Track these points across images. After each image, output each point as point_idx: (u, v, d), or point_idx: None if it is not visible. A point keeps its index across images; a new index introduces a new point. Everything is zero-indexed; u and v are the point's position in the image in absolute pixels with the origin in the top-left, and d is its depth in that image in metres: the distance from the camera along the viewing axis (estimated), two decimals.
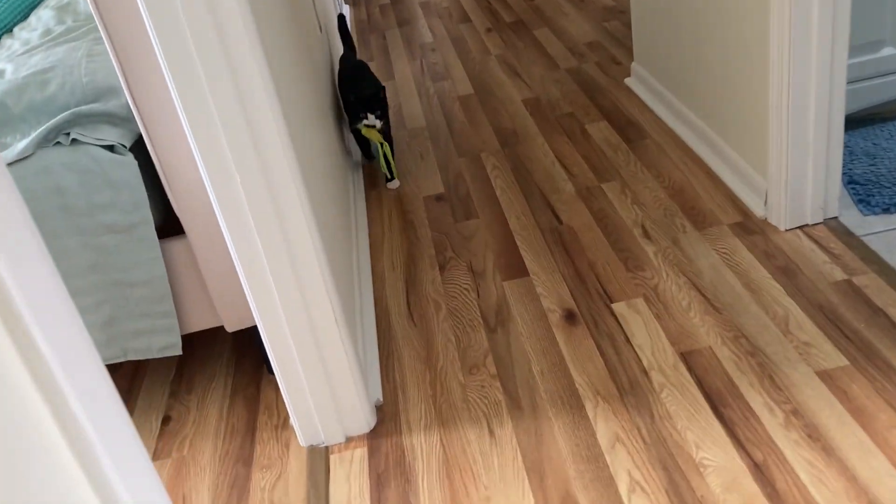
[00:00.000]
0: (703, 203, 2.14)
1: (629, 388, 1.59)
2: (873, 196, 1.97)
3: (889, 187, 1.99)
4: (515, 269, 2.04)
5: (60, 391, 0.54)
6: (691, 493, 1.35)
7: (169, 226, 1.67)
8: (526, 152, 2.58)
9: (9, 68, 1.67)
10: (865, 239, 1.86)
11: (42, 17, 2.11)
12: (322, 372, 1.55)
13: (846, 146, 2.18)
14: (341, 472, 1.54)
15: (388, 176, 2.53)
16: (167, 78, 1.28)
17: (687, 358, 1.63)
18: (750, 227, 2.00)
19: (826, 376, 1.52)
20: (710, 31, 2.14)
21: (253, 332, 1.79)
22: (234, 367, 1.90)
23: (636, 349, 1.69)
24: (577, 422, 1.54)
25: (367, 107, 2.39)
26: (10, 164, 1.47)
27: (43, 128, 1.49)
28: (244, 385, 1.84)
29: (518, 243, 2.13)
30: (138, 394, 1.89)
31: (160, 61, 1.27)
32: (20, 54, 1.75)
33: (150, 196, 1.58)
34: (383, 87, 2.39)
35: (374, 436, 1.61)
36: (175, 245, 1.62)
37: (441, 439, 1.57)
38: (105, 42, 1.43)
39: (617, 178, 2.33)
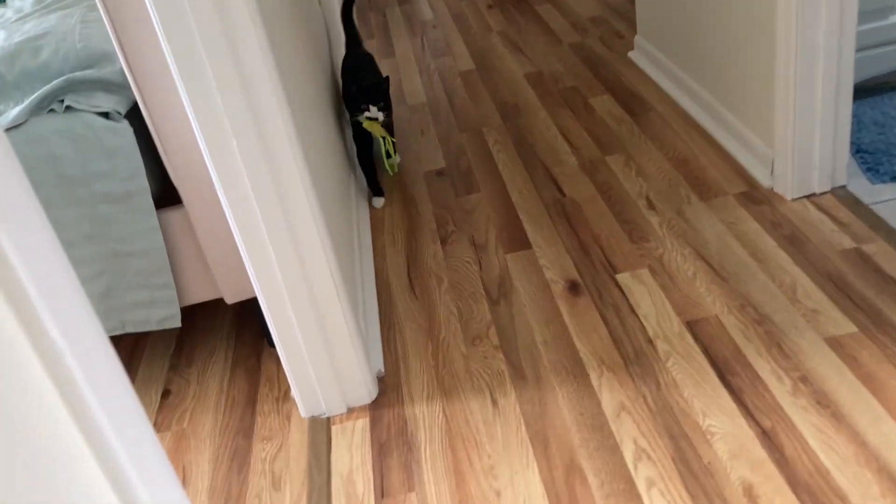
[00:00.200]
0: (708, 174, 2.10)
1: (634, 358, 1.57)
2: (882, 164, 1.94)
3: None
4: (518, 241, 2.01)
5: (61, 356, 0.52)
6: (698, 460, 1.33)
7: (166, 196, 1.64)
8: (528, 126, 2.55)
9: (1, 35, 1.64)
10: (874, 207, 1.83)
11: None
12: (323, 342, 1.53)
13: (854, 116, 2.15)
14: (343, 443, 1.52)
15: (390, 172, 2.42)
16: (163, 43, 1.25)
17: (693, 327, 1.61)
18: (756, 197, 1.97)
19: (835, 343, 1.50)
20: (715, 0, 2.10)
21: (253, 304, 1.76)
22: (235, 341, 1.88)
23: (641, 319, 1.66)
24: (581, 391, 1.52)
25: (369, 97, 2.21)
26: (2, 132, 1.44)
27: (36, 95, 1.46)
28: (245, 358, 1.82)
29: (520, 216, 2.11)
30: (138, 367, 1.87)
31: (155, 26, 1.24)
32: (13, 21, 1.72)
33: (146, 166, 1.55)
34: (387, 78, 2.23)
35: (375, 406, 1.59)
36: (172, 215, 1.59)
37: (444, 409, 1.55)
38: (99, 7, 1.40)
39: (621, 151, 2.30)
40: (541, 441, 1.43)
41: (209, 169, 1.40)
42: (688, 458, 1.34)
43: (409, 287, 1.92)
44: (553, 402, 1.51)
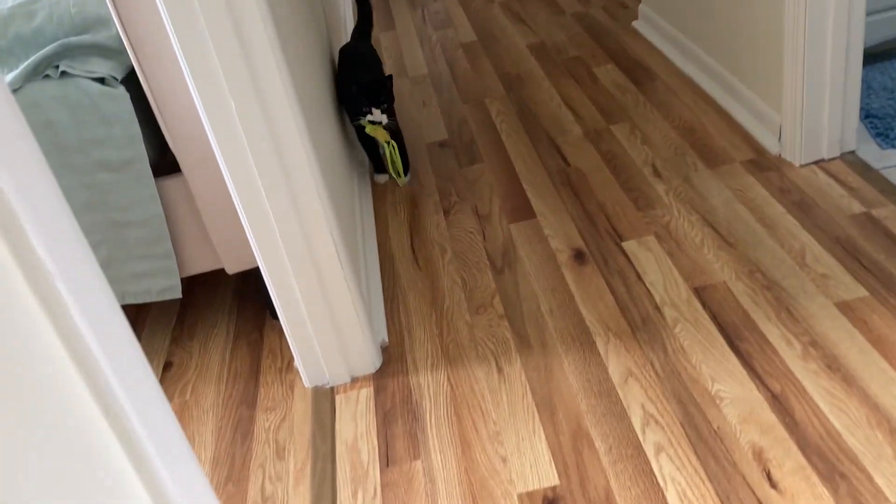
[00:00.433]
0: (714, 141, 2.07)
1: (641, 325, 1.55)
2: (892, 129, 1.90)
3: None
4: (522, 211, 1.98)
5: (65, 307, 0.50)
6: (707, 424, 1.31)
7: (164, 165, 1.62)
8: (531, 97, 2.52)
9: None
10: (884, 172, 1.80)
11: None
12: (326, 311, 1.51)
13: (863, 81, 2.11)
14: (347, 412, 1.51)
15: (398, 176, 2.18)
16: (159, 6, 1.22)
17: (701, 293, 1.59)
18: (763, 163, 1.94)
19: (845, 307, 1.47)
20: None
21: (254, 276, 1.74)
22: (237, 314, 1.86)
23: (648, 286, 1.64)
24: (587, 358, 1.50)
25: (370, 98, 1.98)
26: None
27: (31, 60, 1.43)
28: (247, 330, 1.80)
29: (524, 186, 2.08)
30: (139, 340, 1.85)
31: None
32: None
33: (143, 133, 1.52)
34: (390, 76, 2.02)
35: (380, 376, 1.57)
36: (171, 183, 1.57)
37: (448, 378, 1.53)
38: None
39: (626, 120, 2.27)
40: (547, 407, 1.41)
41: (208, 134, 1.37)
42: (697, 423, 1.32)
43: (412, 258, 1.90)
44: (559, 369, 1.49)
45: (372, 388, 1.55)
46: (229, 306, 1.89)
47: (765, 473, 1.21)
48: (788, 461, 1.22)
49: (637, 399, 1.39)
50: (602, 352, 1.50)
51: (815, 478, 1.19)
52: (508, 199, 2.04)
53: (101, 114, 1.46)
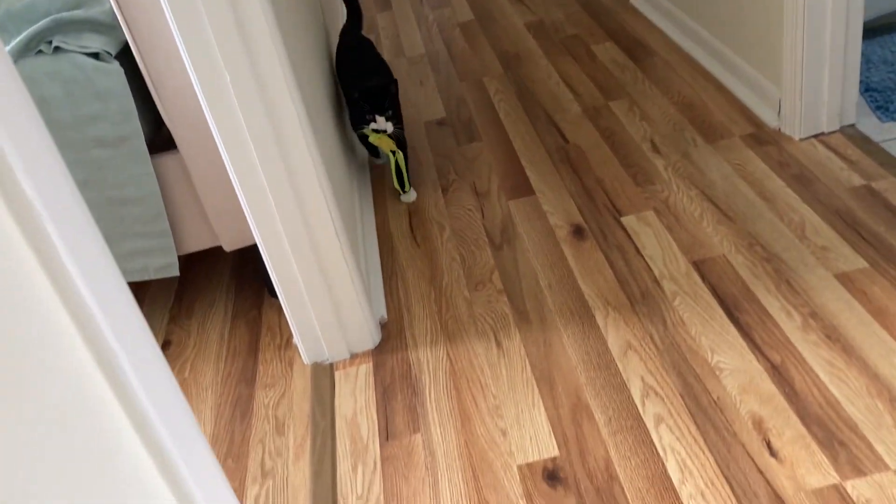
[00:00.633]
0: (713, 117, 2.06)
1: (640, 298, 1.54)
2: (892, 102, 1.89)
3: None
4: (521, 188, 1.97)
5: (65, 268, 0.49)
6: (707, 395, 1.31)
7: (160, 142, 1.61)
8: (530, 75, 2.50)
9: None
10: (884, 145, 1.79)
11: None
12: (324, 287, 1.50)
13: (862, 55, 2.10)
14: (346, 387, 1.50)
15: (401, 190, 2.02)
16: None
17: (700, 266, 1.58)
18: (763, 137, 1.93)
19: (845, 279, 1.47)
20: None
21: (252, 255, 1.74)
22: (235, 293, 1.85)
23: (647, 260, 1.63)
24: (586, 331, 1.50)
25: (374, 105, 1.82)
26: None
27: (23, 35, 1.42)
28: (245, 309, 1.79)
29: (523, 163, 2.07)
30: None
31: None
32: None
33: (138, 110, 1.51)
34: (395, 81, 1.85)
35: (379, 352, 1.57)
36: (167, 160, 1.56)
37: (448, 353, 1.53)
38: None
39: (624, 97, 2.25)
40: (546, 381, 1.41)
41: (203, 109, 1.36)
42: (696, 394, 1.32)
43: (410, 235, 1.90)
44: (558, 343, 1.48)
45: (371, 364, 1.55)
46: (227, 285, 1.88)
47: (765, 442, 1.21)
48: (788, 430, 1.22)
49: (636, 371, 1.39)
50: (601, 325, 1.50)
51: (814, 446, 1.19)
52: (507, 177, 2.03)
53: (95, 89, 1.45)
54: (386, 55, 2.89)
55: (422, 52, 2.84)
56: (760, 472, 1.17)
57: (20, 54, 1.42)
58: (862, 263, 1.49)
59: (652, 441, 1.26)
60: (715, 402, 1.30)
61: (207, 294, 1.87)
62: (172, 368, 1.67)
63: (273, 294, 1.78)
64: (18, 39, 1.43)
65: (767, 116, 1.98)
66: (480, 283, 1.69)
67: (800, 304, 1.44)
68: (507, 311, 1.59)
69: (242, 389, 1.57)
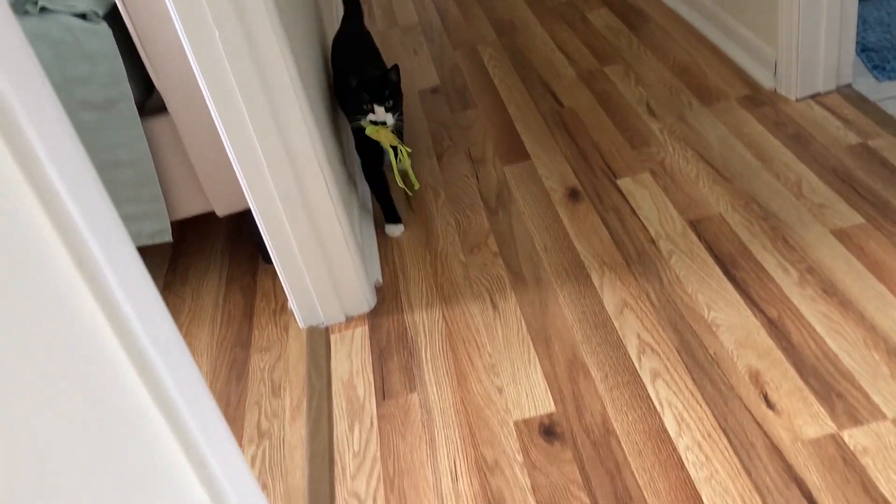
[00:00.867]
0: (709, 79, 2.05)
1: (636, 258, 1.53)
2: (889, 62, 1.88)
3: None
4: (516, 153, 1.96)
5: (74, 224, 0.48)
6: (703, 350, 1.31)
7: (150, 105, 1.59)
8: (524, 42, 2.48)
9: None
10: (881, 104, 1.78)
11: None
12: (319, 250, 1.49)
13: (859, 16, 2.08)
14: (342, 350, 1.50)
15: (408, 191, 1.85)
16: None
17: (696, 225, 1.57)
18: (759, 99, 1.92)
19: (842, 234, 1.46)
20: None
21: (246, 221, 1.73)
22: (229, 259, 1.84)
23: (643, 220, 1.62)
24: (582, 291, 1.49)
25: (373, 95, 1.64)
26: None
27: None
28: (240, 275, 1.78)
29: (518, 129, 2.05)
30: None
31: None
32: None
33: (128, 73, 1.49)
34: (396, 66, 1.67)
35: (374, 315, 1.56)
36: (158, 123, 1.54)
37: (443, 315, 1.52)
38: None
39: (620, 62, 2.24)
40: (542, 340, 1.41)
41: (194, 70, 1.35)
42: (693, 350, 1.31)
43: (405, 202, 1.88)
44: (554, 303, 1.48)
45: (367, 327, 1.54)
46: (221, 252, 1.87)
47: (762, 395, 1.21)
48: (785, 383, 1.22)
49: (633, 329, 1.38)
50: (597, 285, 1.49)
51: (812, 398, 1.19)
52: (502, 143, 2.01)
53: (83, 51, 1.43)
54: (378, 26, 2.86)
55: (415, 21, 2.81)
56: (758, 423, 1.17)
57: None
58: (859, 219, 1.49)
59: (649, 395, 1.25)
60: (712, 356, 1.29)
61: (202, 261, 1.86)
62: None
63: (267, 260, 1.77)
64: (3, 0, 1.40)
65: (763, 78, 1.96)
66: (476, 247, 1.68)
67: (796, 260, 1.43)
68: (503, 273, 1.59)
69: (238, 353, 1.57)
